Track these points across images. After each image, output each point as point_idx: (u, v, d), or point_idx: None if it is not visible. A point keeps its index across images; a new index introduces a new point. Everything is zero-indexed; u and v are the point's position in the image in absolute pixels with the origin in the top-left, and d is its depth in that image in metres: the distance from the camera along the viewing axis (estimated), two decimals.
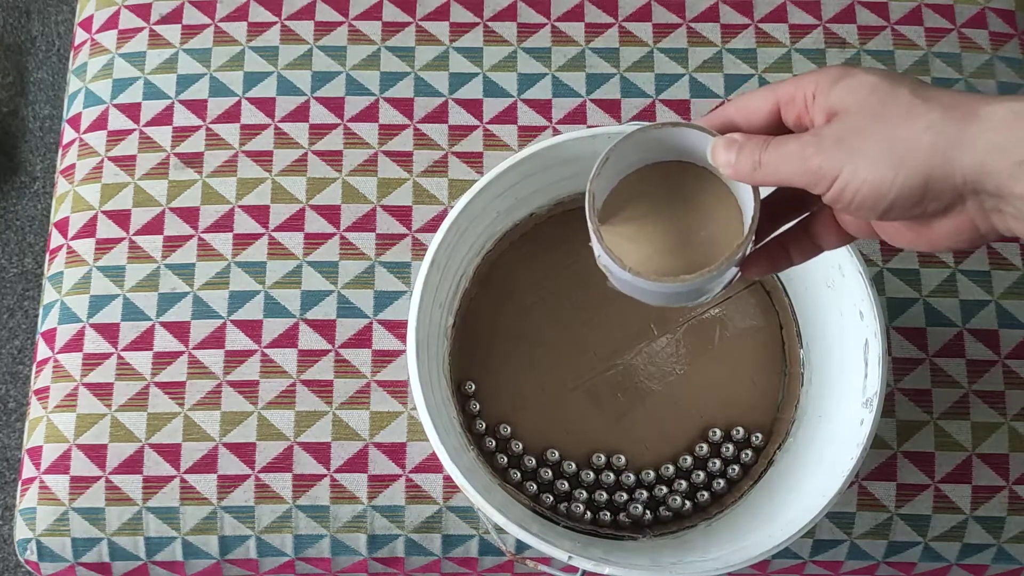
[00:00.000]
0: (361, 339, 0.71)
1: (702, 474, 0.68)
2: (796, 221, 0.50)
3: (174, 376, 0.71)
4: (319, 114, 0.76)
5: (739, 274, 0.49)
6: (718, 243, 0.49)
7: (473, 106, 0.76)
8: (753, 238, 0.46)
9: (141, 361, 0.71)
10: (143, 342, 0.71)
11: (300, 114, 0.76)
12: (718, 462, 0.68)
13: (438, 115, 0.76)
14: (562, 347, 0.70)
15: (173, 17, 0.78)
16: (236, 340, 0.71)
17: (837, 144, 0.41)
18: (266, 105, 0.76)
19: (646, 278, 0.47)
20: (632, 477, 0.68)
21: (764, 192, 0.48)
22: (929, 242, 0.44)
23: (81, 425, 0.70)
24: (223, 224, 0.73)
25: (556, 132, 0.75)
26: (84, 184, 0.75)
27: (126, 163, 0.75)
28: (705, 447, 0.69)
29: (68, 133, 0.78)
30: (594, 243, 0.49)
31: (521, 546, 0.69)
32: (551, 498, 0.67)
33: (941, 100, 0.40)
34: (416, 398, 0.59)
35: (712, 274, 0.46)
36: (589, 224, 0.49)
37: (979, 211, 0.41)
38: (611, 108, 0.76)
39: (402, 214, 0.74)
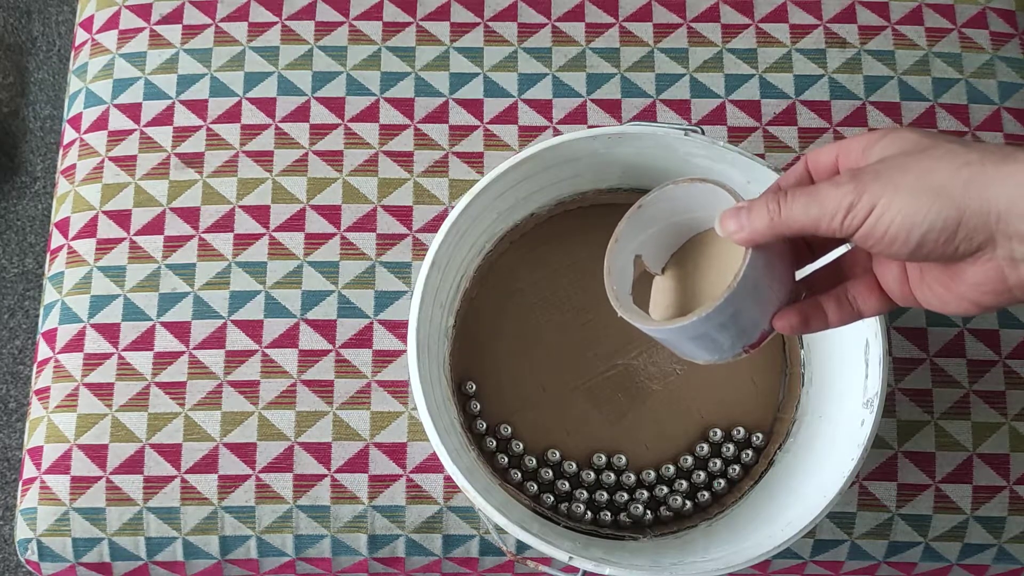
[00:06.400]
0: (362, 339, 0.71)
1: (703, 474, 0.68)
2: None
3: (175, 376, 0.71)
4: (320, 114, 0.76)
5: (768, 333, 0.50)
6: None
7: (474, 106, 0.76)
8: (724, 303, 0.47)
9: (142, 361, 0.71)
10: (144, 342, 0.71)
11: (301, 114, 0.76)
12: (719, 462, 0.68)
13: (439, 115, 0.76)
14: (563, 347, 0.70)
15: (173, 17, 0.78)
16: (237, 340, 0.71)
17: (875, 178, 0.42)
18: (267, 105, 0.76)
19: (630, 319, 0.51)
20: (633, 477, 0.68)
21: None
22: (957, 295, 0.44)
23: (82, 425, 0.70)
24: (224, 224, 0.73)
25: (557, 132, 0.75)
26: (85, 184, 0.75)
27: (127, 163, 0.75)
28: (706, 447, 0.69)
29: (69, 133, 0.78)
30: (606, 283, 0.53)
31: (522, 546, 0.69)
32: (552, 498, 0.67)
33: (981, 146, 0.41)
34: (416, 398, 0.59)
35: (672, 327, 0.49)
36: (605, 263, 0.52)
37: (1008, 259, 0.41)
38: (612, 108, 0.76)
39: (403, 214, 0.74)
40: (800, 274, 0.51)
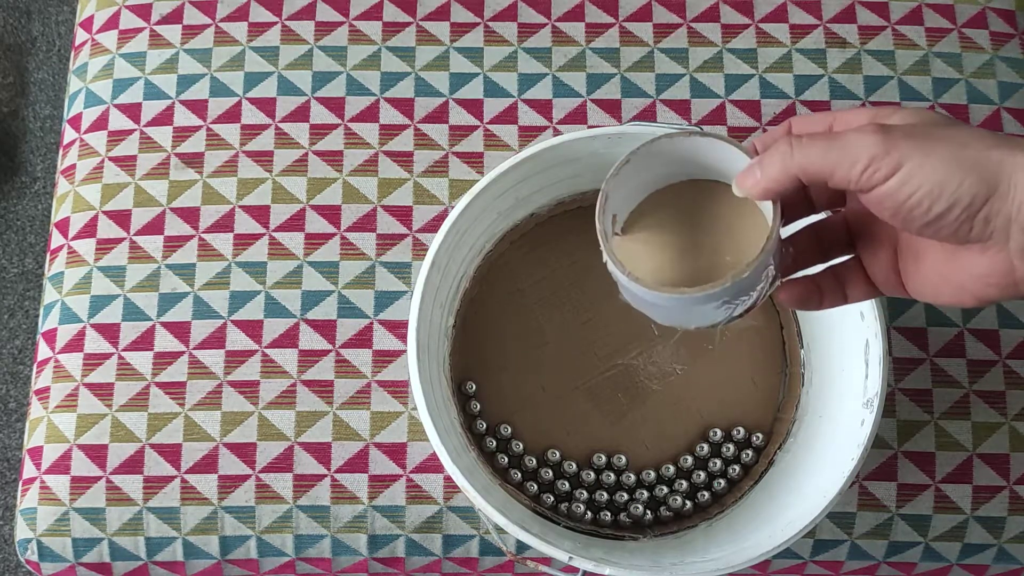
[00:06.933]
0: (362, 339, 0.71)
1: (703, 474, 0.68)
2: (831, 260, 0.49)
3: (174, 376, 0.71)
4: (320, 114, 0.76)
5: (762, 295, 0.47)
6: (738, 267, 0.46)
7: (473, 106, 0.76)
8: (760, 263, 0.44)
9: (141, 361, 0.71)
10: (144, 342, 0.71)
11: (301, 114, 0.76)
12: (719, 462, 0.68)
13: (439, 115, 0.76)
14: (563, 347, 0.70)
15: (173, 17, 0.78)
16: (236, 340, 0.71)
17: (906, 137, 0.40)
18: (266, 105, 0.76)
19: (643, 285, 0.45)
20: (633, 477, 0.68)
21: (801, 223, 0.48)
22: (956, 285, 0.43)
23: (82, 425, 0.70)
24: (224, 224, 0.73)
25: (557, 132, 0.75)
26: (85, 184, 0.75)
27: (127, 163, 0.75)
28: (706, 447, 0.69)
29: (69, 133, 0.78)
30: (602, 246, 0.48)
31: (521, 546, 0.69)
32: (552, 498, 0.67)
33: (1002, 134, 0.41)
34: (416, 398, 0.59)
35: (715, 290, 0.44)
36: (597, 224, 0.47)
37: (1020, 251, 0.40)
38: (612, 108, 0.76)
39: (403, 214, 0.74)
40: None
